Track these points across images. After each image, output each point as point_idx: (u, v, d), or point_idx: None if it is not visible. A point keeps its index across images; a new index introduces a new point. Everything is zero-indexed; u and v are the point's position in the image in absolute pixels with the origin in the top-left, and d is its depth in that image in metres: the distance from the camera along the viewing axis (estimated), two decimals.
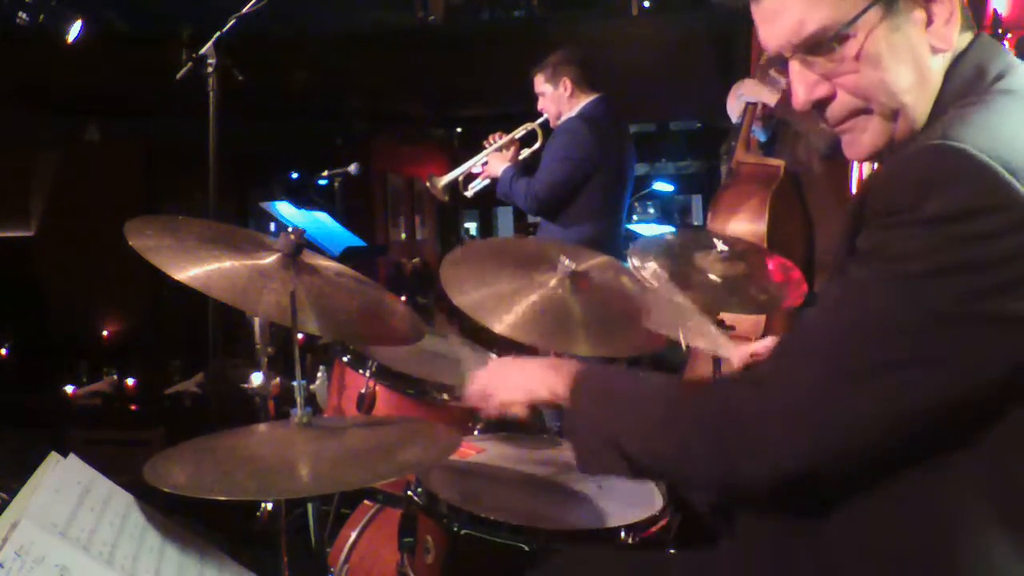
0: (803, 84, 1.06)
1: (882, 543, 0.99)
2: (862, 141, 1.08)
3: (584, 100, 3.47)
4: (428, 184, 3.71)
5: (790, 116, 3.28)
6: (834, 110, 1.07)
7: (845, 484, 0.99)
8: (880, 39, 1.01)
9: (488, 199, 4.24)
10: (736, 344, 1.71)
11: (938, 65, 1.04)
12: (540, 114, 3.59)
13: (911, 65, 1.03)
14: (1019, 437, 0.94)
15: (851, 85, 1.04)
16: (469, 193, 3.70)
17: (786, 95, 3.43)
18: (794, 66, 1.06)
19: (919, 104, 1.04)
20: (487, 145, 3.63)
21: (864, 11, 1.00)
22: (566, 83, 3.47)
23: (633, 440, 1.13)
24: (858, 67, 1.02)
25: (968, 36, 1.06)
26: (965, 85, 1.02)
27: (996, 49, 1.06)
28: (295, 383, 1.41)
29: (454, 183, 3.67)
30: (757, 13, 1.08)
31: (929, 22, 1.02)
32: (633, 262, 1.95)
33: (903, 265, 0.91)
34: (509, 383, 1.37)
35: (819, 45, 1.02)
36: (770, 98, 3.25)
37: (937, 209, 0.89)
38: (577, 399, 1.23)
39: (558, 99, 3.49)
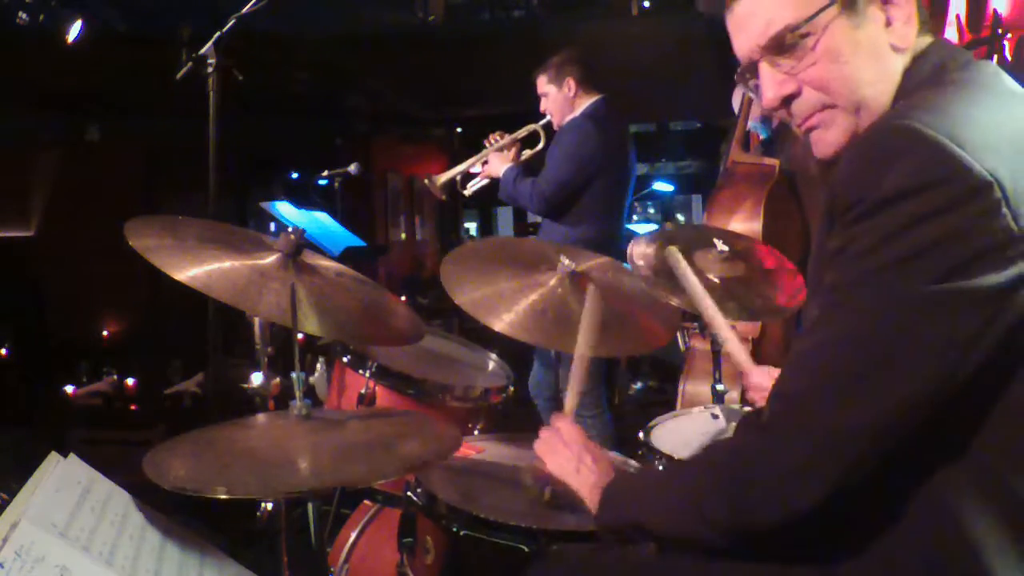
0: (771, 82, 1.12)
1: (883, 546, 0.99)
2: (828, 138, 1.12)
3: (588, 101, 3.46)
4: (426, 182, 3.69)
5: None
6: (800, 106, 1.12)
7: (855, 496, 0.97)
8: (840, 35, 1.06)
9: (488, 198, 4.24)
10: (743, 349, 1.70)
11: (898, 64, 1.09)
12: (542, 115, 3.57)
13: (871, 61, 1.07)
14: (1009, 438, 0.94)
15: (814, 79, 1.09)
16: (468, 192, 3.68)
17: None
18: (763, 67, 1.12)
19: (879, 98, 1.08)
20: (488, 144, 3.61)
21: (822, 9, 1.05)
22: (570, 83, 3.46)
23: (652, 507, 1.15)
24: (820, 61, 1.08)
25: (928, 39, 1.11)
26: (924, 80, 1.06)
27: (955, 49, 1.11)
28: (293, 374, 1.41)
29: (452, 182, 3.66)
30: (731, 23, 1.14)
31: (888, 22, 1.08)
32: (635, 250, 1.93)
33: (872, 259, 0.92)
34: (559, 463, 1.39)
35: (783, 43, 1.08)
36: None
37: (893, 187, 0.90)
38: (605, 508, 1.26)
39: (562, 100, 3.48)
